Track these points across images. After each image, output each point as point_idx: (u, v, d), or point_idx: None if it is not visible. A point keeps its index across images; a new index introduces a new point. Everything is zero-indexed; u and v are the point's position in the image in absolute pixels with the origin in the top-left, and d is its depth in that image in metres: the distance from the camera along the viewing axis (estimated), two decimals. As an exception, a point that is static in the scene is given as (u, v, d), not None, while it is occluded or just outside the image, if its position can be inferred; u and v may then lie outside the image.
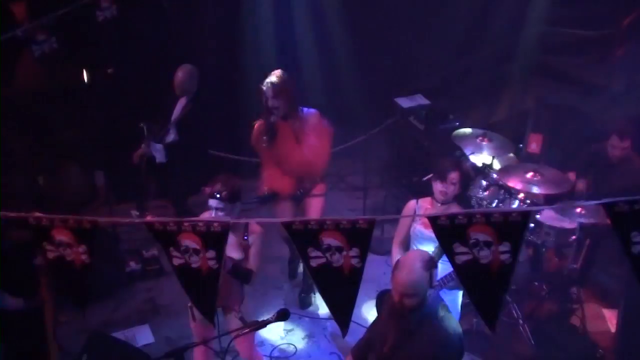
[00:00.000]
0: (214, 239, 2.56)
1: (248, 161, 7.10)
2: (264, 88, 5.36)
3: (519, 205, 5.57)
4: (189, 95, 6.37)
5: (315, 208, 5.78)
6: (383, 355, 3.68)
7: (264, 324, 4.13)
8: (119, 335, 5.65)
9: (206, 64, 7.36)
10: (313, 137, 5.52)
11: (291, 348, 5.67)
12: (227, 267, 4.35)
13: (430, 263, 3.57)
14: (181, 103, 6.38)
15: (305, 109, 5.57)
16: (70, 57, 6.54)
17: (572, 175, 6.03)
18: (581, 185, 5.98)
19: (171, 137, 6.40)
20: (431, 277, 3.53)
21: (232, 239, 4.40)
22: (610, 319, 5.86)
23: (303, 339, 5.78)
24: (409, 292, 3.51)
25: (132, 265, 6.52)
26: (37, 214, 2.71)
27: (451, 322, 3.66)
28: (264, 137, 5.52)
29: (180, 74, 6.33)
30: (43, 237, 2.69)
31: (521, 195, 5.64)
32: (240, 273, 4.44)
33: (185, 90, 6.35)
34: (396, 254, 4.80)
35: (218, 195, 4.29)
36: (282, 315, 4.07)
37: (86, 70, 6.99)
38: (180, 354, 3.68)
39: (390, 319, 3.68)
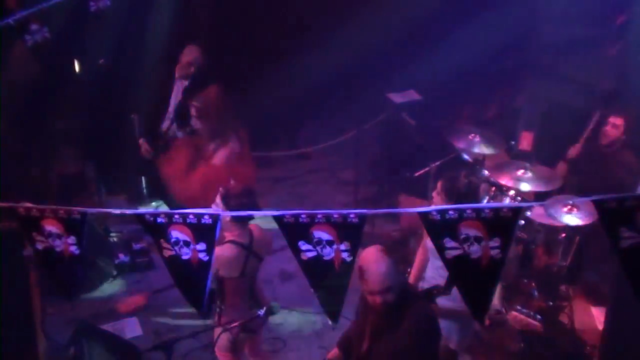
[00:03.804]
0: (205, 231, 2.56)
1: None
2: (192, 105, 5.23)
3: (509, 202, 5.60)
4: (189, 78, 6.29)
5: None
6: (364, 352, 3.67)
7: (253, 317, 4.13)
8: (107, 327, 5.63)
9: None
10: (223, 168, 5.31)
11: (279, 342, 5.67)
12: None
13: (386, 249, 3.52)
14: (179, 87, 6.31)
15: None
16: (62, 47, 6.50)
17: (562, 165, 6.13)
18: (562, 167, 6.05)
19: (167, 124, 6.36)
20: (394, 261, 3.49)
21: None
22: (598, 316, 5.89)
23: (292, 333, 5.78)
24: (385, 286, 3.46)
25: (121, 257, 6.51)
26: (27, 204, 2.70)
27: (422, 307, 3.66)
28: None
29: (187, 52, 6.22)
30: (33, 228, 2.68)
31: (512, 192, 5.67)
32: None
33: (190, 67, 6.24)
34: (418, 255, 4.83)
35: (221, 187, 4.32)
36: (271, 310, 4.07)
37: (77, 61, 6.95)
38: (168, 347, 3.67)
39: (370, 317, 3.66)
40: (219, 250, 4.27)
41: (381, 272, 3.44)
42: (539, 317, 5.52)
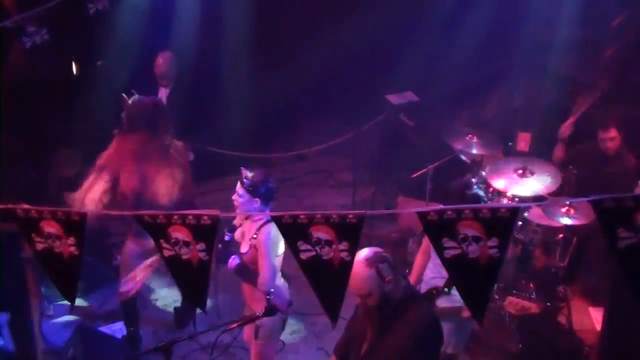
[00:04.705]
0: (204, 231, 2.56)
1: (237, 156, 7.12)
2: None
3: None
4: (170, 86, 6.34)
5: None
6: (363, 353, 3.68)
7: (252, 319, 4.13)
8: (105, 329, 5.63)
9: (193, 56, 7.36)
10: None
11: (279, 343, 5.66)
12: (232, 265, 4.35)
13: (375, 258, 3.50)
14: (163, 94, 6.35)
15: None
16: (60, 49, 6.51)
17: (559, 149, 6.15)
18: (560, 153, 6.06)
19: None
20: (379, 271, 3.46)
21: (246, 233, 4.42)
22: (596, 317, 5.90)
23: (291, 334, 5.78)
24: (362, 293, 3.49)
25: (119, 259, 6.49)
26: (26, 206, 2.70)
27: (425, 309, 3.67)
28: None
29: (161, 60, 6.28)
30: (31, 229, 2.68)
31: (509, 193, 5.68)
32: (244, 273, 4.39)
33: (166, 77, 6.29)
34: (417, 260, 4.85)
35: (242, 181, 4.29)
36: (270, 311, 4.07)
37: (76, 63, 6.96)
38: (168, 349, 3.66)
39: (365, 318, 3.68)
40: (274, 233, 4.22)
41: (357, 279, 3.44)
42: (533, 297, 5.52)
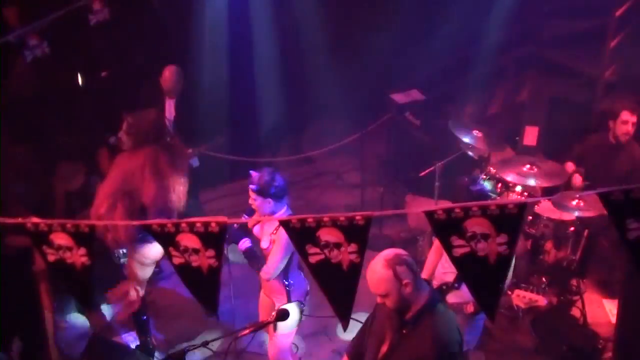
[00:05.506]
0: (212, 238, 2.56)
1: (244, 161, 7.13)
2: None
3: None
4: (176, 97, 6.40)
5: None
6: (382, 355, 3.66)
7: (264, 324, 4.13)
8: (119, 339, 5.64)
9: (198, 64, 7.38)
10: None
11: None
12: (243, 247, 4.44)
13: (395, 260, 3.47)
14: (170, 105, 6.40)
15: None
16: (64, 61, 6.54)
17: (570, 166, 6.06)
18: (578, 180, 5.98)
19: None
20: (397, 273, 3.43)
21: (266, 229, 4.47)
22: (611, 309, 5.87)
23: (304, 337, 5.77)
24: (379, 292, 3.48)
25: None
26: (35, 219, 2.71)
27: (447, 316, 3.65)
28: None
29: (167, 74, 6.34)
30: (42, 242, 2.69)
31: (518, 188, 5.66)
32: (252, 257, 4.47)
33: (173, 90, 6.37)
34: (430, 257, 4.86)
35: (250, 186, 4.35)
36: (282, 315, 4.07)
37: (80, 74, 6.99)
38: (180, 357, 3.66)
39: (387, 320, 3.67)
40: None
41: (372, 280, 3.47)
42: (542, 289, 5.50)
